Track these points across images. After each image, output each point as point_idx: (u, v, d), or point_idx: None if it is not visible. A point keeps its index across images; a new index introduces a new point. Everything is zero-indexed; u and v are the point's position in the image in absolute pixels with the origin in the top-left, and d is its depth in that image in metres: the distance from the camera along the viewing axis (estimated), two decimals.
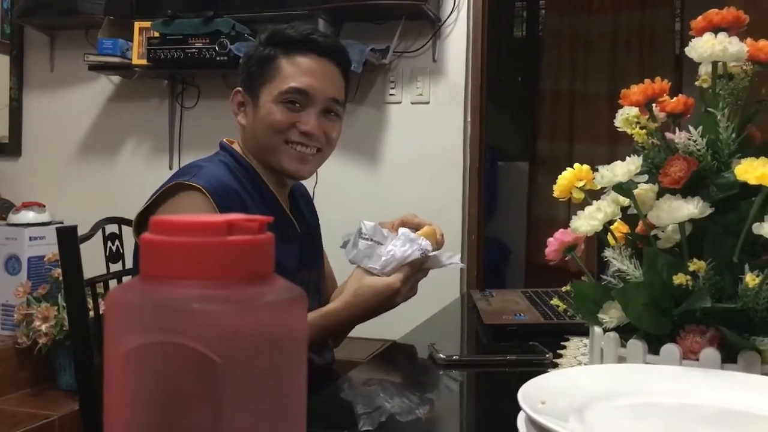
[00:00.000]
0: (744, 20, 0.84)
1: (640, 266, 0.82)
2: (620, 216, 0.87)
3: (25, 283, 2.68)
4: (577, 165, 0.90)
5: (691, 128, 0.82)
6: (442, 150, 2.74)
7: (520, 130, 4.91)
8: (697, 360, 0.77)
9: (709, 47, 0.81)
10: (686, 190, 0.80)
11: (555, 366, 1.06)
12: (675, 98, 0.87)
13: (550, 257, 0.93)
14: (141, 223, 1.29)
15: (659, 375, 0.73)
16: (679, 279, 0.76)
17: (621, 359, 0.83)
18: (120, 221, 1.59)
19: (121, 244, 1.56)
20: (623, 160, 0.83)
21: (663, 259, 0.79)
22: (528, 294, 1.61)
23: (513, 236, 4.63)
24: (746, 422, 0.66)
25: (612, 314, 0.83)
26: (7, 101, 3.21)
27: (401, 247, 1.26)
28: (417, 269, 1.29)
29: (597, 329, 0.87)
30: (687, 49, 0.83)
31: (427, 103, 2.77)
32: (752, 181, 0.73)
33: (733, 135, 0.82)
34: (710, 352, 0.76)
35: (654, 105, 0.87)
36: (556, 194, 0.91)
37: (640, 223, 0.86)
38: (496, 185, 4.63)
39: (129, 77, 3.02)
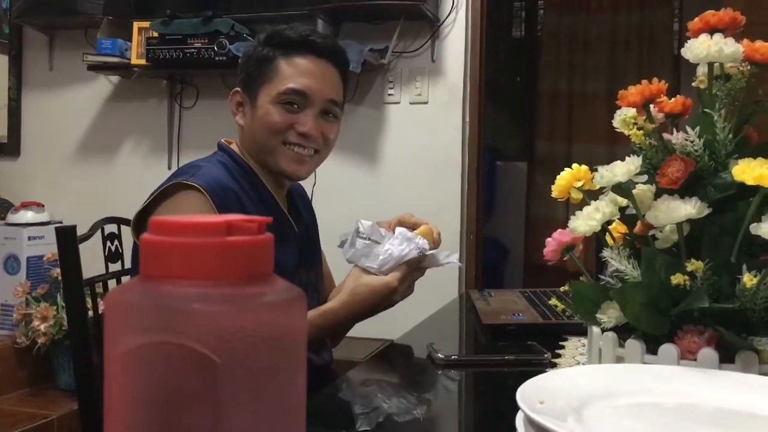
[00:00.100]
0: (741, 21, 0.84)
1: (638, 266, 0.82)
2: (618, 216, 0.87)
3: (24, 282, 2.67)
4: (575, 165, 0.90)
5: (688, 129, 0.83)
6: (440, 150, 2.74)
7: (518, 130, 4.91)
8: (695, 360, 0.77)
9: (705, 48, 0.81)
10: (684, 191, 0.80)
11: (553, 366, 1.06)
12: (673, 99, 0.88)
13: (548, 257, 0.93)
14: (139, 223, 1.29)
15: (657, 375, 0.74)
16: (677, 279, 0.76)
17: (619, 359, 0.83)
18: (119, 221, 1.59)
19: (120, 244, 1.56)
20: (622, 160, 0.83)
21: (661, 259, 0.79)
22: (526, 294, 1.61)
23: (511, 236, 4.63)
24: (744, 422, 0.66)
25: (610, 314, 0.83)
26: (5, 101, 3.21)
27: (399, 246, 1.26)
28: (414, 268, 1.29)
29: (595, 329, 0.88)
30: (683, 50, 0.83)
31: (426, 103, 2.77)
32: (749, 182, 0.73)
33: (730, 136, 0.82)
34: (708, 352, 0.76)
35: (652, 106, 0.87)
36: (554, 194, 0.91)
37: (639, 223, 0.86)
38: (495, 185, 4.63)
39: (128, 77, 3.02)
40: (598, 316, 0.85)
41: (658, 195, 0.83)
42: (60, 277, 1.47)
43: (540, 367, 1.06)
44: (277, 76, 1.34)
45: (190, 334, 0.35)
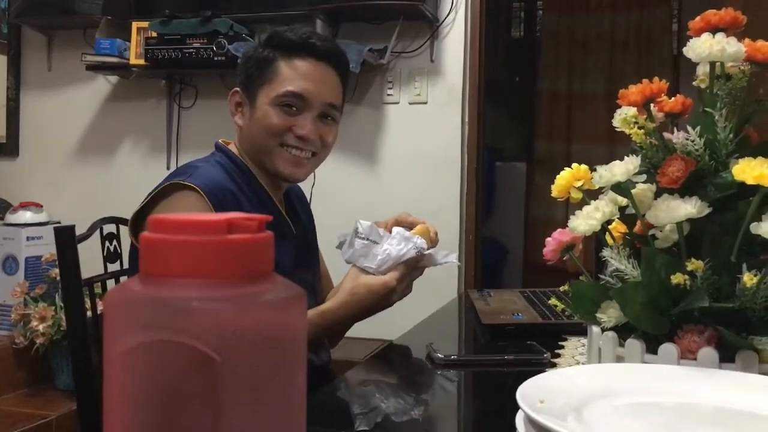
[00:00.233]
0: (742, 21, 0.84)
1: (638, 266, 0.82)
2: (618, 216, 0.87)
3: (23, 283, 2.67)
4: (575, 165, 0.90)
5: (689, 128, 0.82)
6: (439, 150, 2.74)
7: (517, 130, 4.91)
8: (695, 359, 0.77)
9: (707, 47, 0.81)
10: (684, 190, 0.80)
11: (553, 366, 1.06)
12: (673, 98, 0.88)
13: (548, 257, 0.93)
14: (137, 223, 1.29)
15: (657, 374, 0.73)
16: (677, 279, 0.76)
17: (619, 359, 0.83)
18: (118, 221, 1.58)
19: (119, 243, 1.56)
20: (621, 159, 0.83)
21: (661, 258, 0.79)
22: (526, 294, 1.61)
23: (511, 236, 4.63)
24: (744, 421, 0.66)
25: (610, 314, 0.83)
26: (4, 101, 3.21)
27: (397, 246, 1.26)
28: (412, 268, 1.29)
29: (595, 329, 0.87)
30: (685, 49, 0.83)
31: (425, 103, 2.77)
32: (750, 181, 0.73)
33: (731, 135, 0.82)
34: (708, 352, 0.76)
35: (652, 105, 0.87)
36: (554, 194, 0.91)
37: (638, 222, 0.86)
38: (494, 185, 4.63)
39: (126, 77, 3.02)
40: (597, 315, 0.85)
41: (658, 194, 0.83)
42: (58, 278, 1.46)
43: (539, 366, 1.06)
44: (277, 78, 1.34)
45: (190, 332, 0.35)
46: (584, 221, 0.85)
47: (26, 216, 2.83)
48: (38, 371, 2.67)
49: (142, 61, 2.80)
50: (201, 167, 1.32)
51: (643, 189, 0.84)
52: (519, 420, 0.63)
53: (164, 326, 0.35)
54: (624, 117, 0.86)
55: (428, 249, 1.29)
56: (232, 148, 1.42)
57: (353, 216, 1.42)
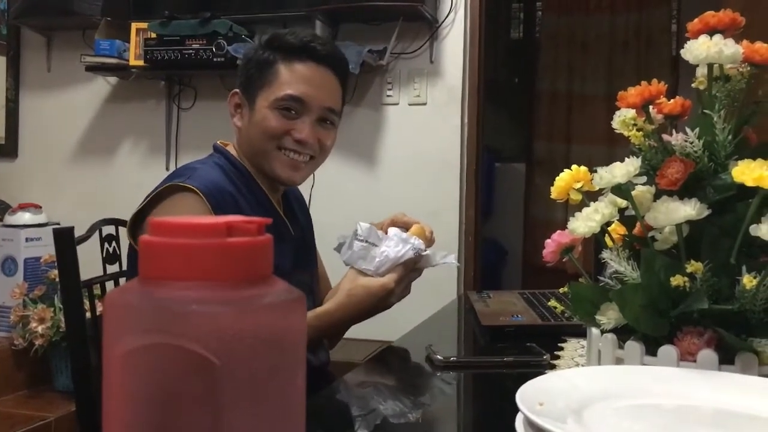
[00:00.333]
0: (740, 22, 0.84)
1: (637, 268, 0.82)
2: (618, 217, 0.87)
3: (22, 284, 2.67)
4: (574, 166, 0.90)
5: (688, 130, 0.82)
6: (439, 151, 2.74)
7: (517, 131, 4.91)
8: (695, 361, 0.77)
9: (704, 49, 0.81)
10: (683, 192, 0.80)
11: (552, 367, 1.06)
12: (672, 100, 0.88)
13: (547, 258, 0.93)
14: (135, 224, 1.29)
15: (657, 376, 0.73)
16: (677, 280, 0.76)
17: (618, 361, 0.83)
18: (117, 222, 1.58)
19: (118, 245, 1.56)
20: (621, 161, 0.83)
21: (660, 260, 0.79)
22: (525, 295, 1.61)
23: (510, 237, 4.64)
24: (743, 423, 0.66)
25: (609, 316, 0.83)
26: (3, 102, 3.21)
27: (394, 247, 1.26)
28: (411, 269, 1.29)
29: (594, 330, 0.87)
30: (683, 52, 0.83)
31: (425, 104, 2.77)
32: (749, 183, 0.73)
33: (730, 137, 0.82)
34: (708, 354, 0.76)
35: (651, 107, 0.87)
36: (553, 195, 0.91)
37: (638, 224, 0.86)
38: (494, 186, 4.63)
39: (126, 78, 3.02)
40: (597, 317, 0.85)
41: (657, 196, 0.83)
42: (57, 279, 1.46)
43: (539, 368, 1.06)
44: (276, 81, 1.34)
45: (189, 335, 0.35)
46: (584, 223, 0.85)
47: (25, 217, 2.83)
48: (37, 373, 2.66)
49: (141, 62, 2.80)
50: (200, 169, 1.32)
51: (642, 191, 0.84)
52: (518, 422, 0.63)
53: (163, 329, 0.35)
54: (623, 119, 0.86)
55: (426, 250, 1.29)
56: (231, 149, 1.41)
57: (352, 217, 1.42)
